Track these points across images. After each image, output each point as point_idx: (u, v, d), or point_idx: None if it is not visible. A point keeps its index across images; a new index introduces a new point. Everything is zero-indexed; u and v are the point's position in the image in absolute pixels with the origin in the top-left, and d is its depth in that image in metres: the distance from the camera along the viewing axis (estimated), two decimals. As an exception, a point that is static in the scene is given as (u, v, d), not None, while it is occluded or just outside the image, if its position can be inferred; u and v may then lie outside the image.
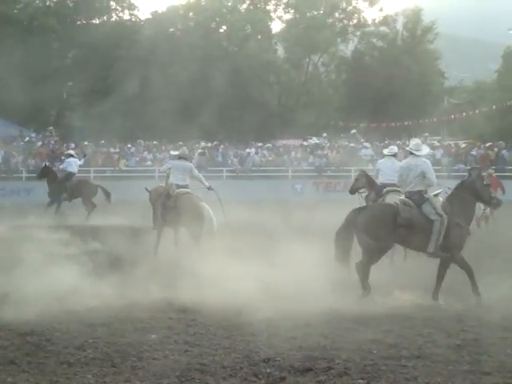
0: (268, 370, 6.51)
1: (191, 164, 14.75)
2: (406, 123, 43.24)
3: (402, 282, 10.10)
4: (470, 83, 62.99)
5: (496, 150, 31.67)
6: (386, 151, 15.39)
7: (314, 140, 38.56)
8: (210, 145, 36.59)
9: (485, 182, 10.41)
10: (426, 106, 49.74)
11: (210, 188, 14.35)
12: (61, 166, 25.04)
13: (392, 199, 13.19)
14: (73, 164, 22.84)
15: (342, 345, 7.42)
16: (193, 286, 9.76)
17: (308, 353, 7.11)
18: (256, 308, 8.71)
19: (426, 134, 38.87)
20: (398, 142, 36.47)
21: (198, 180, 14.34)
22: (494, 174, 21.30)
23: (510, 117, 43.29)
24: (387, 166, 14.40)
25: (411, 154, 10.39)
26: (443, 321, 8.42)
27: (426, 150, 10.72)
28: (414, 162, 10.23)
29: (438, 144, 36.60)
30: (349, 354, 7.07)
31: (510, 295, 9.58)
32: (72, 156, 23.47)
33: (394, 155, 14.85)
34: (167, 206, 13.78)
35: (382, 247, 9.86)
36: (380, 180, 14.57)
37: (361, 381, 6.22)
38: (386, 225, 9.76)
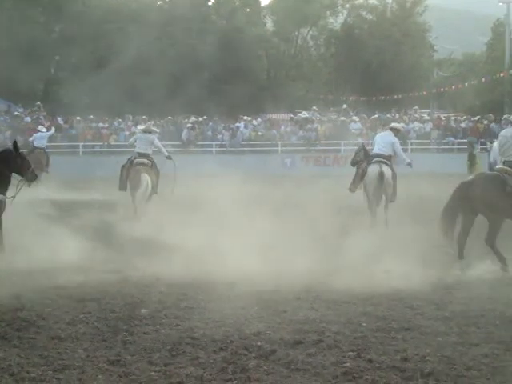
0: (258, 344, 6.54)
1: (154, 136, 16.62)
2: (395, 96, 43.17)
3: (390, 253, 10.13)
4: (459, 56, 62.88)
5: (485, 122, 31.71)
6: (392, 124, 16.24)
7: (304, 114, 38.46)
8: (200, 119, 36.45)
9: None
10: (415, 78, 49.68)
11: (168, 157, 16.33)
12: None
13: (375, 168, 14.38)
14: (38, 138, 23.56)
15: (332, 318, 7.46)
16: (180, 260, 9.80)
17: (298, 326, 7.15)
18: (246, 281, 8.75)
19: (416, 107, 38.90)
20: (388, 115, 36.55)
21: (158, 149, 16.43)
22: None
23: (499, 89, 43.26)
24: (380, 138, 15.07)
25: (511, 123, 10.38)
26: (432, 293, 8.47)
27: None
28: None
29: (427, 117, 36.62)
30: (339, 326, 7.11)
31: (498, 265, 9.69)
32: (39, 131, 24.19)
33: (391, 129, 15.34)
34: (129, 172, 15.88)
35: (500, 217, 9.95)
36: (373, 151, 15.08)
37: (351, 353, 6.27)
38: (500, 195, 9.81)
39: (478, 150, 19.11)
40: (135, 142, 16.55)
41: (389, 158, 14.85)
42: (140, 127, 18.41)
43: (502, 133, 10.77)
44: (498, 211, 9.86)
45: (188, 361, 6.11)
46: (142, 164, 15.79)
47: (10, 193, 10.69)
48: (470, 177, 10.73)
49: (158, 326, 7.14)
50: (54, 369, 5.88)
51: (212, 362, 6.06)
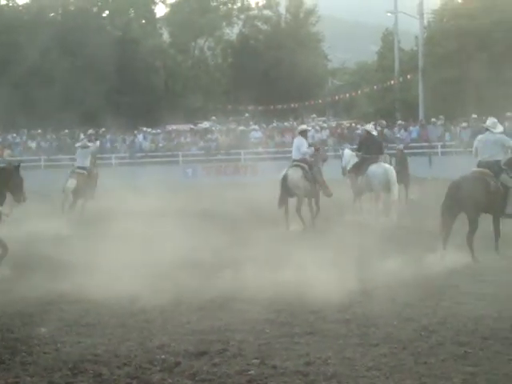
0: (163, 356, 6.49)
1: (90, 150, 19.80)
2: (292, 105, 43.88)
3: (292, 260, 10.30)
4: (352, 65, 64.59)
5: (379, 128, 32.66)
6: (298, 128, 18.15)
7: (206, 124, 38.59)
8: (101, 131, 35.78)
9: None
10: (311, 87, 50.61)
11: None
12: None
13: (293, 171, 15.85)
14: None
15: (236, 326, 7.50)
16: (82, 276, 9.60)
17: (202, 336, 7.14)
18: (149, 295, 8.67)
19: (314, 116, 39.63)
20: (285, 124, 37.10)
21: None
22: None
23: (390, 96, 44.73)
24: (294, 144, 16.62)
25: (487, 130, 11.67)
26: (333, 296, 8.64)
27: (500, 128, 11.83)
28: (493, 137, 11.52)
29: (324, 125, 37.32)
30: (243, 334, 7.16)
31: (396, 268, 10.00)
32: None
33: (300, 133, 16.80)
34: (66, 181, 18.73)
35: (478, 216, 11.12)
36: None
37: (255, 360, 6.32)
38: (482, 195, 11.02)
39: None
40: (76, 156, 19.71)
41: (302, 160, 15.98)
42: (78, 144, 21.01)
43: (478, 138, 11.92)
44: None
45: (90, 378, 5.99)
46: (77, 172, 18.74)
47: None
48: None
49: (58, 345, 6.96)
50: None
51: (116, 379, 5.97)
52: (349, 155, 18.38)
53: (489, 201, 11.02)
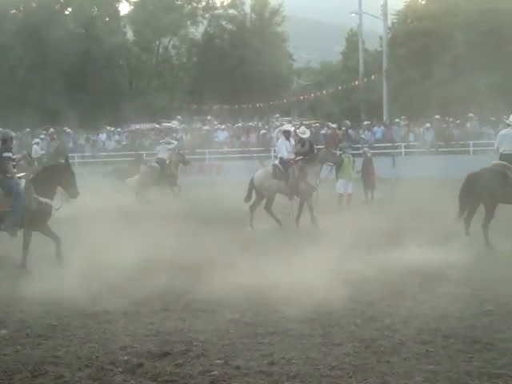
0: (125, 358, 6.43)
1: (171, 146, 23.69)
2: (257, 105, 43.90)
3: (255, 260, 10.29)
4: (317, 65, 64.90)
5: (344, 128, 32.83)
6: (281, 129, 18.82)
7: (174, 123, 38.38)
8: (65, 129, 35.35)
9: None
10: (276, 87, 50.72)
11: None
12: None
13: (262, 171, 16.18)
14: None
15: (200, 327, 7.46)
16: (43, 276, 9.48)
17: (165, 337, 7.10)
18: (111, 296, 8.59)
19: (277, 115, 39.70)
20: (250, 124, 37.09)
21: None
22: (370, 153, 22.05)
23: (355, 97, 45.02)
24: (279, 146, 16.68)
25: (509, 125, 12.59)
26: (297, 296, 8.63)
27: None
28: None
29: (290, 125, 37.34)
30: (206, 335, 7.12)
31: (361, 267, 10.05)
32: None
33: (283, 133, 16.78)
34: None
35: (495, 206, 12.04)
36: None
37: (218, 361, 6.29)
38: (500, 186, 11.90)
39: (350, 155, 20.11)
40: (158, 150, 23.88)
41: (283, 161, 16.01)
42: (161, 141, 25.15)
43: (501, 133, 12.90)
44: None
45: (51, 380, 5.92)
46: (156, 163, 22.60)
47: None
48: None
49: (18, 347, 6.86)
50: None
51: (77, 380, 5.90)
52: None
53: (507, 192, 11.86)
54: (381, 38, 43.94)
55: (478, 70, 35.19)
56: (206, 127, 36.34)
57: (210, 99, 44.46)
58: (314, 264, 10.05)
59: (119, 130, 37.01)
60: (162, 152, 23.26)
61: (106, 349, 6.73)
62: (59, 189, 11.35)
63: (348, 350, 6.53)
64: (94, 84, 43.62)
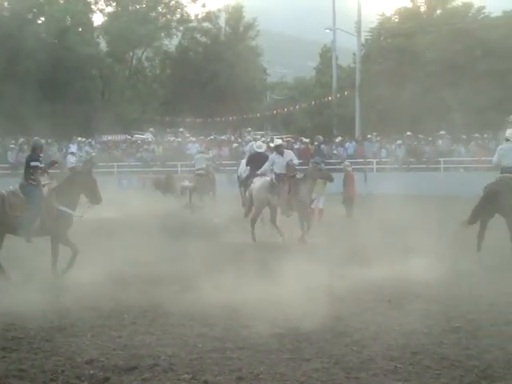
0: (91, 372, 6.34)
1: (207, 156, 24.25)
2: (230, 118, 43.91)
3: (224, 274, 10.23)
4: (290, 80, 65.20)
5: (316, 143, 32.97)
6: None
7: (143, 135, 38.23)
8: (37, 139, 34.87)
9: None
10: (249, 101, 50.82)
11: None
12: None
13: (259, 182, 16.00)
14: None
15: (168, 341, 7.38)
16: (10, 288, 9.33)
17: (133, 351, 7.01)
18: (78, 309, 8.47)
19: (249, 129, 39.76)
20: (223, 137, 37.09)
21: None
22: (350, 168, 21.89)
23: (328, 112, 45.25)
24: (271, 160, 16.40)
25: (508, 140, 12.65)
26: (267, 311, 8.59)
27: None
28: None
29: (263, 139, 37.40)
30: (174, 349, 7.05)
31: (331, 283, 10.03)
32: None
33: (275, 147, 16.77)
34: None
35: None
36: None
37: (186, 375, 6.23)
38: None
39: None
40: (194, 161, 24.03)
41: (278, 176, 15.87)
42: (197, 150, 26.40)
43: (500, 147, 12.97)
44: None
45: (15, 395, 5.80)
46: (197, 174, 22.93)
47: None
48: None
49: (-18, 360, 6.72)
50: None
51: (41, 395, 5.79)
52: (244, 166, 19.32)
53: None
54: (354, 54, 44.27)
55: (450, 88, 35.61)
56: (178, 139, 36.27)
57: (183, 112, 44.40)
58: (285, 279, 10.03)
59: (90, 140, 36.78)
60: (200, 162, 23.47)
61: (72, 363, 6.63)
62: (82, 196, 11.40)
63: (317, 365, 6.50)
64: (65, 94, 43.30)
